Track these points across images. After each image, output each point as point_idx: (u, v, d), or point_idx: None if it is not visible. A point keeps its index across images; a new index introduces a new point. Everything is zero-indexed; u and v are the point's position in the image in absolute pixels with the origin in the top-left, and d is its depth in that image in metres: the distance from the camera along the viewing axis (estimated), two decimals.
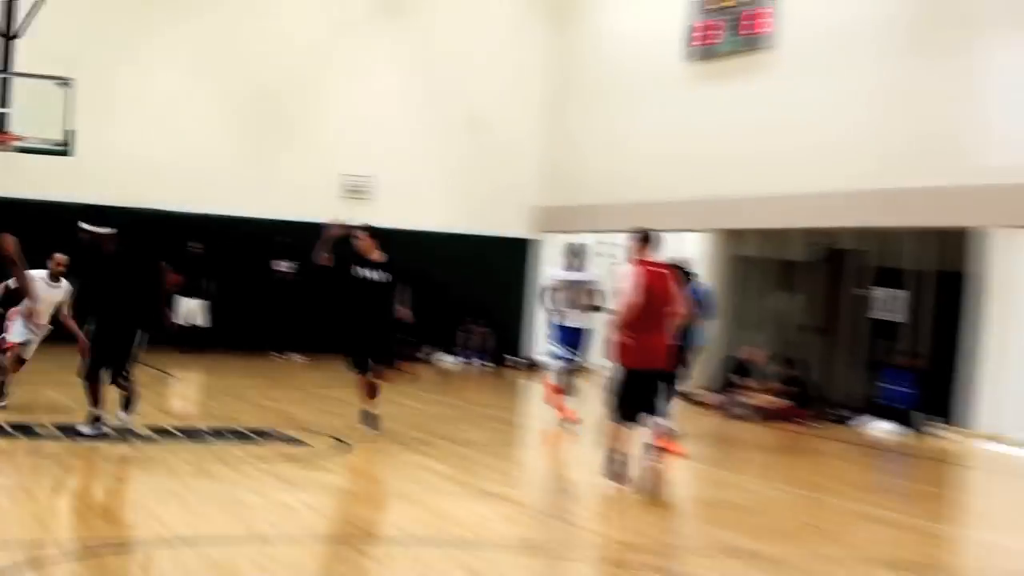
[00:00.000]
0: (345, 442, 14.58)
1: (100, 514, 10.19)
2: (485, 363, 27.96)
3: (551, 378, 18.32)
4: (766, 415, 19.71)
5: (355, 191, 29.10)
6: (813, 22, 23.61)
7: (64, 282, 15.18)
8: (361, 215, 28.46)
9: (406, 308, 15.02)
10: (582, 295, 17.38)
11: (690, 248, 26.07)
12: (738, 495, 13.65)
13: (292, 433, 14.89)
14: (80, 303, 14.61)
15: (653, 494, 10.96)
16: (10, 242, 12.04)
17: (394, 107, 29.57)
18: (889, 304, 21.61)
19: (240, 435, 14.44)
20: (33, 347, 15.51)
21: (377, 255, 15.03)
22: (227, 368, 23.18)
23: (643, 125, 27.63)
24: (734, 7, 24.97)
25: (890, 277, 21.96)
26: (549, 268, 19.04)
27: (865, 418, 19.95)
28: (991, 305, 19.89)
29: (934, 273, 21.37)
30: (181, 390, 20.68)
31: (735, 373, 21.68)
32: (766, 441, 15.53)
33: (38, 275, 14.94)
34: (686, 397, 22.76)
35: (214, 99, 28.20)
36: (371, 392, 15.15)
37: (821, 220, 22.63)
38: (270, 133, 28.47)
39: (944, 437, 19.42)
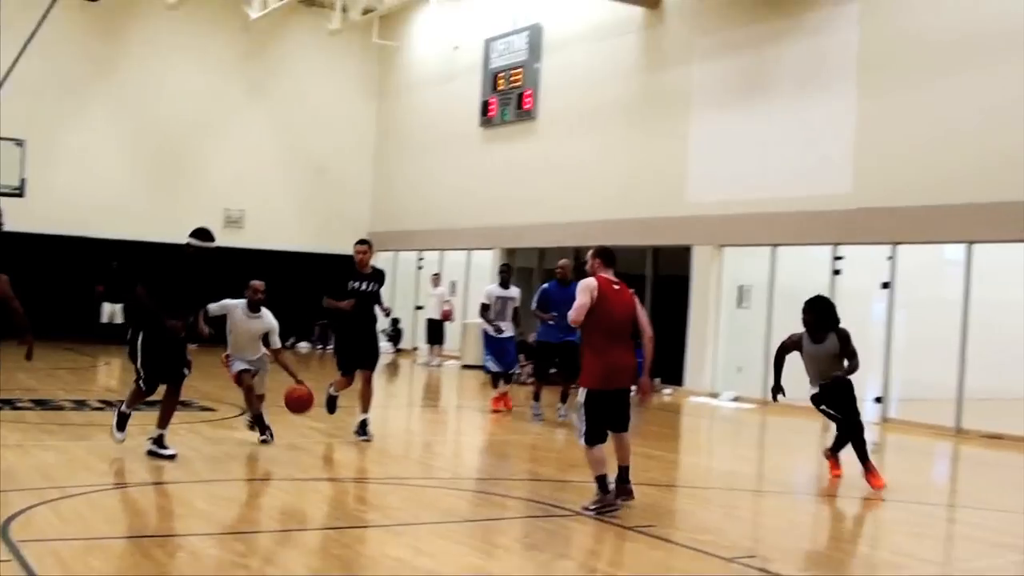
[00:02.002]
0: (244, 408, 14.49)
1: (83, 465, 10.07)
2: (327, 348, 27.62)
3: (493, 392, 16.58)
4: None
5: (233, 220, 28.95)
6: (564, 101, 24.28)
7: (265, 311, 11.75)
8: (236, 239, 28.57)
9: (384, 307, 13.02)
10: (510, 308, 16.25)
11: (480, 262, 26.65)
12: (535, 439, 14.02)
13: (205, 403, 14.82)
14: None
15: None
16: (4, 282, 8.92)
17: (262, 157, 29.64)
18: None
19: (187, 405, 13.59)
20: (262, 379, 11.99)
21: (368, 268, 12.71)
22: None
23: (447, 172, 27.99)
24: (513, 89, 25.52)
25: (631, 282, 22.45)
26: (486, 287, 17.37)
27: None
28: (696, 298, 20.73)
29: (662, 277, 21.98)
30: (115, 372, 20.39)
31: (521, 352, 21.83)
32: (551, 400, 15.78)
33: (237, 304, 11.59)
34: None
35: (128, 153, 28.02)
36: (365, 404, 12.71)
37: (578, 241, 23.16)
38: (169, 177, 28.32)
39: (670, 394, 20.15)
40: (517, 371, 16.38)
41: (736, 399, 19.32)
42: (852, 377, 11.10)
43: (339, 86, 30.72)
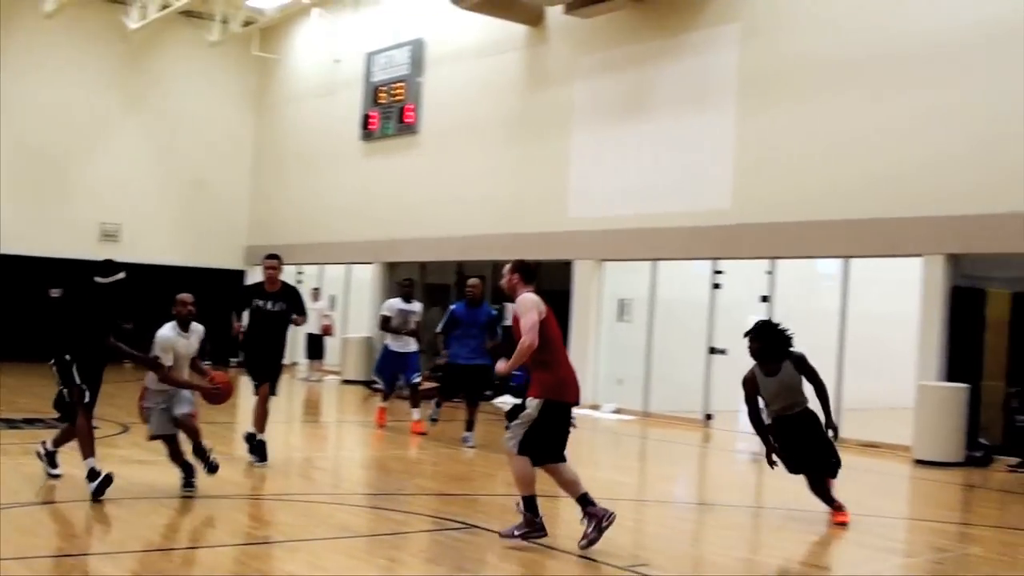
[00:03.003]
0: (126, 425, 14.15)
1: None
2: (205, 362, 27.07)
3: (380, 401, 16.40)
4: (428, 394, 19.25)
5: (109, 234, 28.43)
6: (446, 116, 24.38)
7: (196, 326, 10.59)
8: (112, 253, 28.00)
9: (300, 318, 12.32)
10: (412, 322, 15.78)
11: (361, 276, 26.59)
12: (420, 454, 14.02)
13: None
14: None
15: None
16: None
17: (140, 171, 29.15)
18: (506, 313, 22.34)
19: (45, 423, 13.45)
20: (189, 414, 10.37)
21: (277, 285, 12.15)
22: (18, 372, 22.06)
23: (327, 186, 27.91)
24: (395, 103, 25.56)
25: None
26: (387, 300, 16.98)
27: (500, 396, 20.44)
28: (578, 312, 20.97)
29: (543, 292, 22.03)
30: None
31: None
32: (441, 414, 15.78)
33: (167, 329, 10.31)
34: (370, 384, 23.06)
35: (1, 165, 27.07)
36: (261, 422, 12.22)
37: (460, 255, 23.34)
38: (45, 190, 27.67)
39: None
40: (416, 379, 16.07)
41: (617, 411, 19.61)
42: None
43: (218, 98, 30.40)
